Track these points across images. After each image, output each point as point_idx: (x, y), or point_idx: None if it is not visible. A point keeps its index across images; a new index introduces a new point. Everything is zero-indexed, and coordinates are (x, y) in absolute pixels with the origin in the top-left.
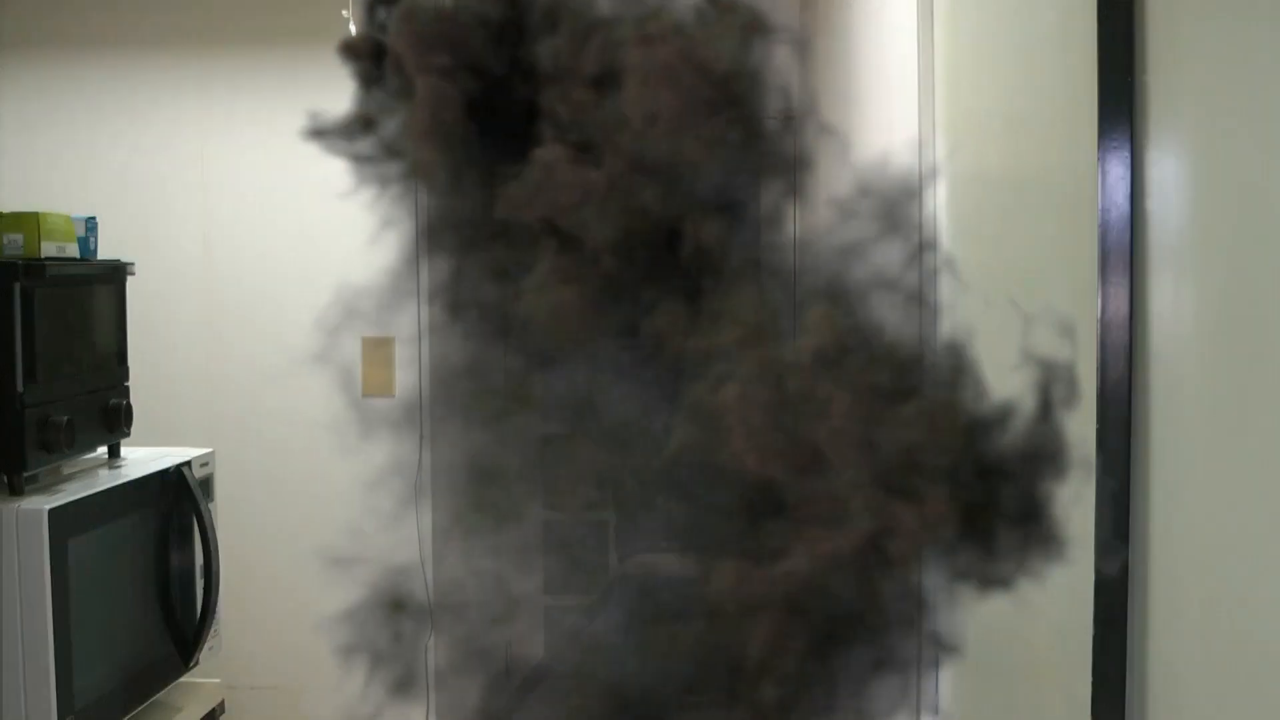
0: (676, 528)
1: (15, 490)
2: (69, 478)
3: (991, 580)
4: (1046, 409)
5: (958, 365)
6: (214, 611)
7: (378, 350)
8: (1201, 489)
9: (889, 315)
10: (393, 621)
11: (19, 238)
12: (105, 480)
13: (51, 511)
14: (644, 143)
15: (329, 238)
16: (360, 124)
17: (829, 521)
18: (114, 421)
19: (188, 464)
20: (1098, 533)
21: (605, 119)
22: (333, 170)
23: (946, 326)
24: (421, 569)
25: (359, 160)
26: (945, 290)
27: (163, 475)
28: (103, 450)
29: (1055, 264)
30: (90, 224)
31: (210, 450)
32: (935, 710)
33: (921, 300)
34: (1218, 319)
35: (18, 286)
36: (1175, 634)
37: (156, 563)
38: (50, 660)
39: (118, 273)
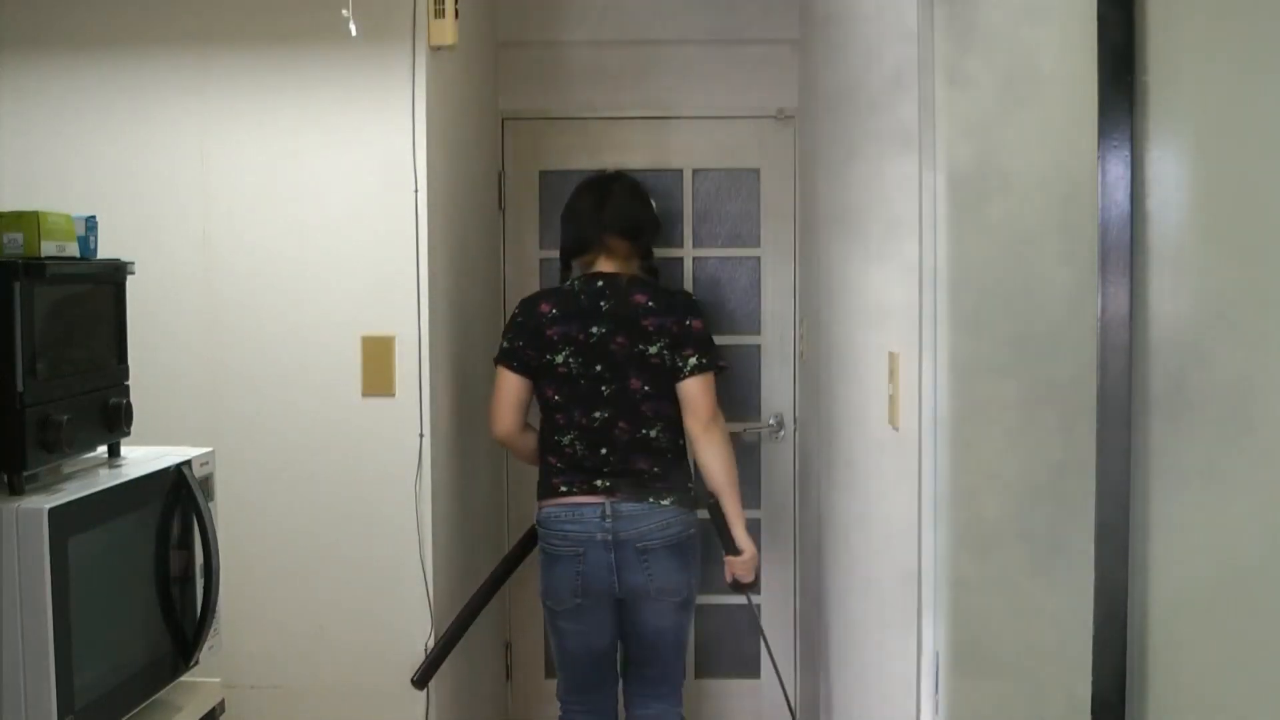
0: None
1: (15, 490)
2: (69, 477)
3: None
4: None
5: None
6: (214, 611)
7: (378, 350)
8: (1202, 489)
9: None
10: None
11: (19, 237)
12: (105, 479)
13: (51, 511)
14: None
15: (329, 238)
16: None
17: None
18: (114, 421)
19: (188, 464)
20: (1098, 532)
21: None
22: (333, 170)
23: None
24: (422, 569)
25: None
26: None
27: (163, 475)
28: (103, 450)
29: (1055, 264)
30: (90, 223)
31: (210, 450)
32: (935, 709)
33: (921, 312)
34: (1218, 319)
35: (18, 286)
36: (1175, 634)
37: (156, 562)
38: (50, 660)
39: (118, 272)
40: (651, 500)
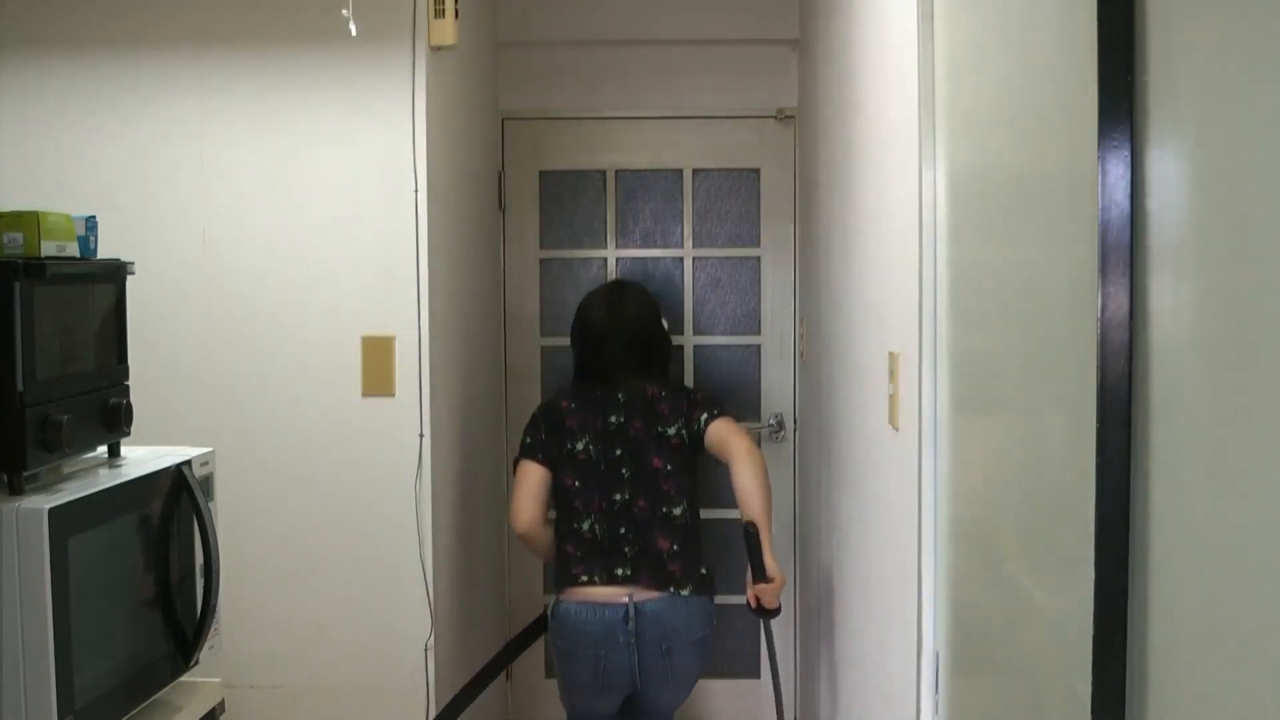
0: None
1: (15, 490)
2: (69, 477)
3: None
4: None
5: None
6: (214, 611)
7: (378, 350)
8: (1202, 489)
9: None
10: None
11: (19, 237)
12: (105, 479)
13: (51, 511)
14: None
15: (329, 238)
16: None
17: None
18: (114, 421)
19: (188, 463)
20: (1098, 532)
21: None
22: (333, 170)
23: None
24: (422, 569)
25: None
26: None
27: (163, 475)
28: (103, 450)
29: (1055, 264)
30: (90, 223)
31: (210, 450)
32: (935, 709)
33: (921, 312)
34: (1218, 319)
35: (18, 286)
36: (1175, 634)
37: (156, 562)
38: (50, 660)
39: (118, 272)
40: (672, 590)
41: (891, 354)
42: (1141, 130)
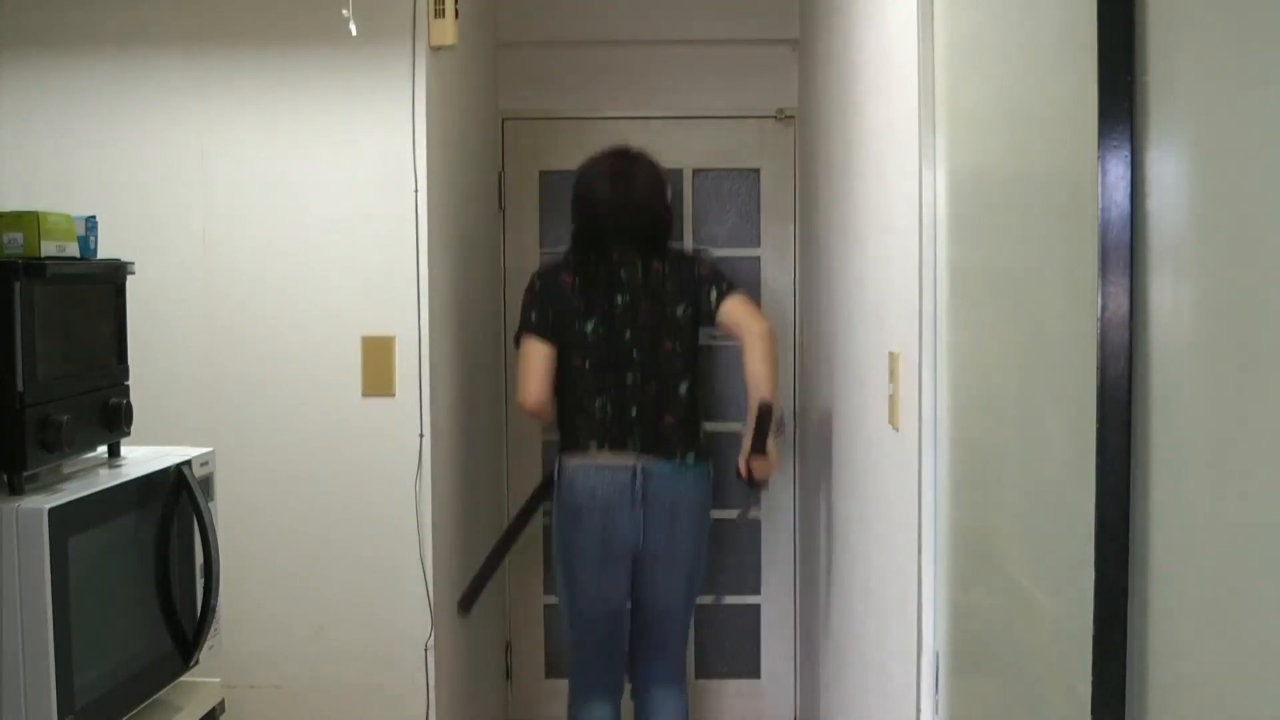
0: None
1: (15, 490)
2: (69, 477)
3: None
4: None
5: None
6: (214, 611)
7: (378, 350)
8: (1202, 489)
9: None
10: None
11: (19, 237)
12: (105, 479)
13: (51, 511)
14: None
15: (329, 238)
16: None
17: None
18: (114, 421)
19: (188, 463)
20: (1098, 532)
21: None
22: (333, 170)
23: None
24: (422, 569)
25: None
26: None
27: (163, 475)
28: (103, 450)
29: (1055, 264)
30: (90, 223)
31: (210, 450)
32: (935, 709)
33: (921, 312)
34: (1218, 319)
35: (18, 286)
36: (1175, 634)
37: (156, 562)
38: (50, 660)
39: (118, 272)
40: (679, 457)
41: (891, 354)
42: (1141, 130)
